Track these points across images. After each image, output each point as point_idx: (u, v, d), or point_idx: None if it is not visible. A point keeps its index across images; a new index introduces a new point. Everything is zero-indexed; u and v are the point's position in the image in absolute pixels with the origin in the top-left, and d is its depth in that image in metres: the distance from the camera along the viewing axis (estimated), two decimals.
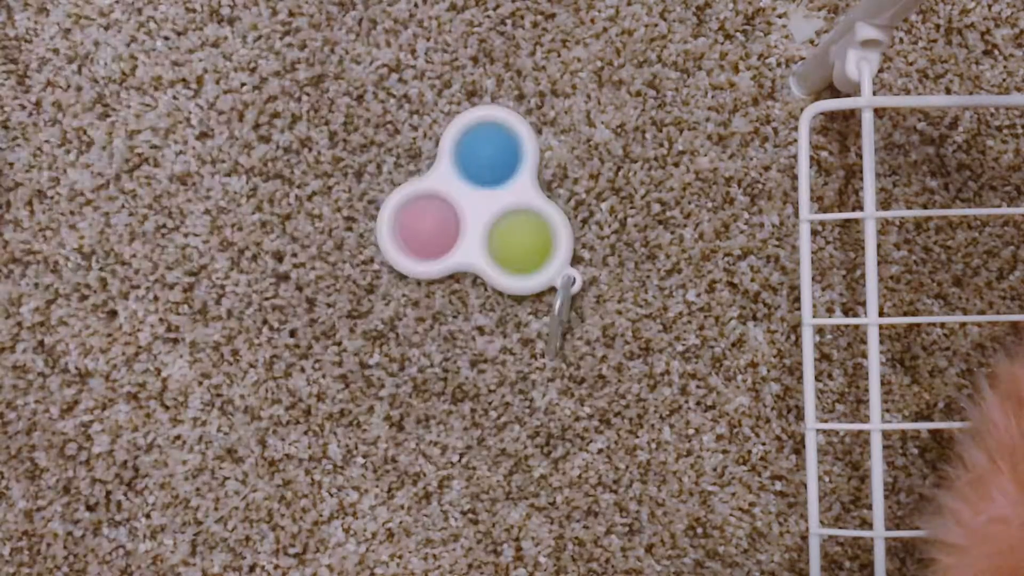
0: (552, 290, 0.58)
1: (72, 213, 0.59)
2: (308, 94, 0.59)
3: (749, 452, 0.58)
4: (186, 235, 0.58)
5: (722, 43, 0.60)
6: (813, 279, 0.59)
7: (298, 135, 0.59)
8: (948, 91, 0.60)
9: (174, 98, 0.59)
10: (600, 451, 0.58)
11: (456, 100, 0.59)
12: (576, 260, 0.59)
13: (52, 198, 0.59)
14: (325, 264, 0.58)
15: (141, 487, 0.58)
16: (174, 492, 0.58)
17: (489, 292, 0.59)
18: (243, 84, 0.59)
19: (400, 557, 0.58)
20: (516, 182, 0.58)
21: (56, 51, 0.59)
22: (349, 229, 0.59)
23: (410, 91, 0.59)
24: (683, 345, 0.59)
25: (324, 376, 0.58)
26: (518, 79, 0.60)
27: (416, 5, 0.60)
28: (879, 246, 0.58)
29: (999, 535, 0.42)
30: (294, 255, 0.58)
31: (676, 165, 0.59)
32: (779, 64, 0.60)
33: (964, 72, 0.60)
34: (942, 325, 0.59)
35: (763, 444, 0.58)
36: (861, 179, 0.59)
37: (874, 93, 0.58)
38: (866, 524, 0.58)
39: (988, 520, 0.43)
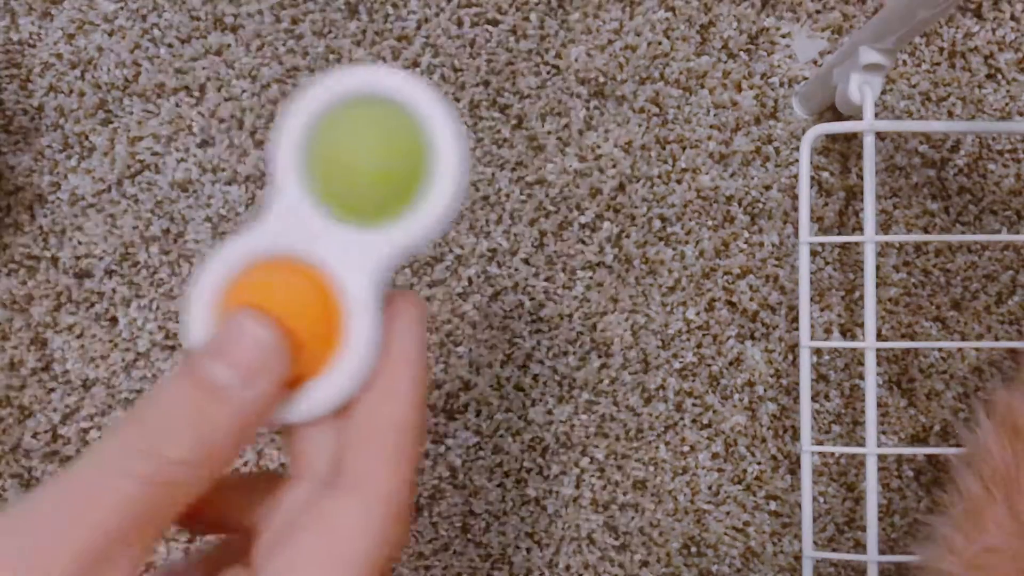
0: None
1: (75, 216, 0.59)
2: None
3: (744, 471, 0.58)
4: (187, 242, 0.58)
5: (725, 62, 0.60)
6: (812, 300, 0.59)
7: None
8: (951, 114, 0.60)
9: (176, 105, 0.59)
10: (595, 466, 0.58)
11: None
12: (571, 276, 0.59)
13: (53, 203, 0.59)
14: None
15: None
16: None
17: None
18: (243, 91, 0.59)
19: (392, 569, 0.58)
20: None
21: (59, 56, 0.59)
22: None
23: None
24: (680, 362, 0.59)
25: None
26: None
27: (427, 19, 0.60)
28: (878, 267, 0.59)
29: (992, 565, 0.42)
30: None
31: (678, 183, 0.59)
32: (782, 84, 0.60)
33: (967, 96, 0.60)
34: (940, 348, 0.59)
35: (758, 463, 0.58)
36: (862, 200, 0.59)
37: (876, 115, 0.58)
38: (860, 545, 0.58)
39: (981, 550, 0.43)
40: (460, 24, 0.60)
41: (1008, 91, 0.60)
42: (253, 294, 0.26)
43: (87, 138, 0.59)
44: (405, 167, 0.26)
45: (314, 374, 0.26)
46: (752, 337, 0.59)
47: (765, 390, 0.59)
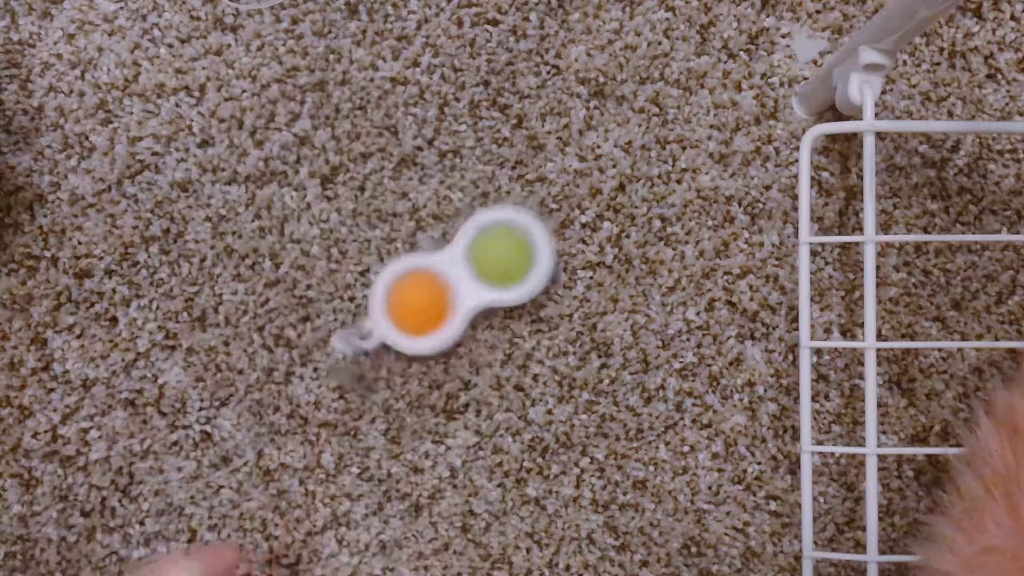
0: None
1: (75, 216, 0.59)
2: (311, 99, 0.59)
3: (744, 471, 0.58)
4: (187, 242, 0.58)
5: (725, 62, 0.60)
6: (812, 300, 0.59)
7: (297, 134, 0.59)
8: (950, 114, 0.60)
9: (176, 105, 0.59)
10: (595, 466, 0.58)
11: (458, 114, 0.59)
12: (571, 276, 0.59)
13: (53, 203, 0.59)
14: (324, 268, 0.58)
15: (136, 493, 0.58)
16: (168, 499, 0.58)
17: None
18: (243, 91, 0.59)
19: (392, 570, 0.58)
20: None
21: (59, 56, 0.59)
22: (354, 239, 0.59)
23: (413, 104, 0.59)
24: (680, 362, 0.59)
25: (321, 385, 0.58)
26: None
27: (427, 20, 0.60)
28: (878, 267, 0.59)
29: (992, 565, 0.42)
30: (294, 256, 0.58)
31: (679, 183, 0.59)
32: (782, 84, 0.60)
33: (967, 96, 0.60)
34: (940, 348, 0.59)
35: (758, 463, 0.58)
36: (862, 200, 0.59)
37: (876, 115, 0.58)
38: (860, 545, 0.58)
39: (981, 549, 0.43)
40: (460, 24, 0.60)
41: (1008, 91, 0.60)
42: (412, 284, 0.57)
43: (87, 138, 0.59)
44: (517, 263, 0.57)
45: (424, 333, 0.56)
46: (752, 337, 0.59)
47: (765, 390, 0.59)
